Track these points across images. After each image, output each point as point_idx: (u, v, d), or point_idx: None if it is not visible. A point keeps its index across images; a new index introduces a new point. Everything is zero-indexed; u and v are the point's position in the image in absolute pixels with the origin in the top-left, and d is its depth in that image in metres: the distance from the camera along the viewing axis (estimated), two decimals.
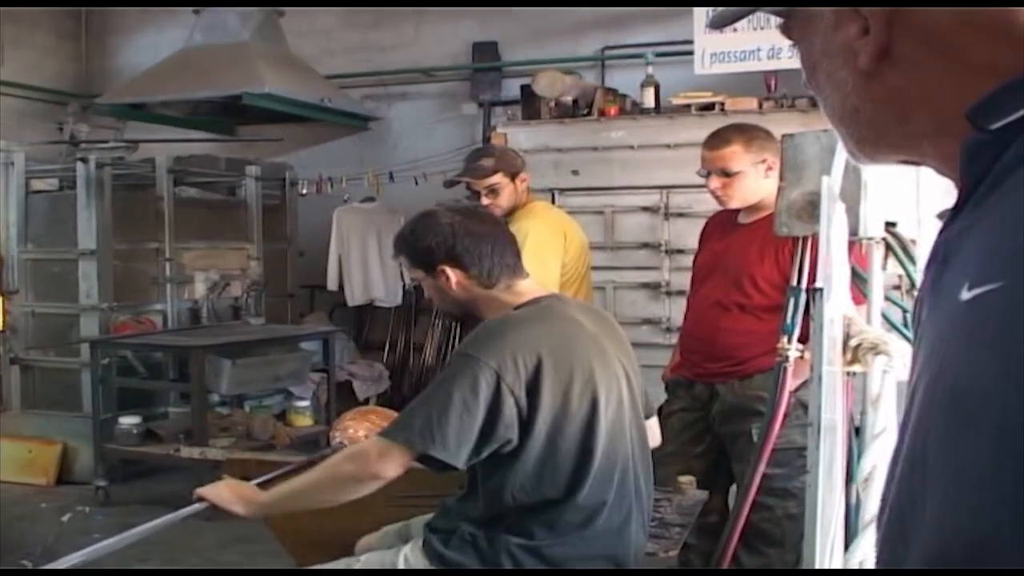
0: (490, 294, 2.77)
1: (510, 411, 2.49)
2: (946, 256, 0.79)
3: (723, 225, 4.16)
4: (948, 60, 0.81)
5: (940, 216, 0.84)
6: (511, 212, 4.57)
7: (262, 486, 2.90)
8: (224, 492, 2.78)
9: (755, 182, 3.90)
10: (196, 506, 2.80)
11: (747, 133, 3.98)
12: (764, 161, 3.88)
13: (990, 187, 0.76)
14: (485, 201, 4.55)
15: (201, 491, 2.79)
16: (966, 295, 0.71)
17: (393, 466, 2.52)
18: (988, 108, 0.76)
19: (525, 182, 4.67)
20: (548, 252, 4.42)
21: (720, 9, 0.99)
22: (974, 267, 0.72)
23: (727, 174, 3.90)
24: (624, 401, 2.74)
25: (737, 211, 4.07)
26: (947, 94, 0.81)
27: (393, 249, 2.89)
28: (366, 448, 2.63)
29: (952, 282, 0.74)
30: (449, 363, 2.65)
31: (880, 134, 0.89)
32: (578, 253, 4.66)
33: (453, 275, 2.75)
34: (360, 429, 3.60)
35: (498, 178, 4.56)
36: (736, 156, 3.90)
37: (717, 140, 3.99)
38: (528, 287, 2.83)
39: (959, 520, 0.65)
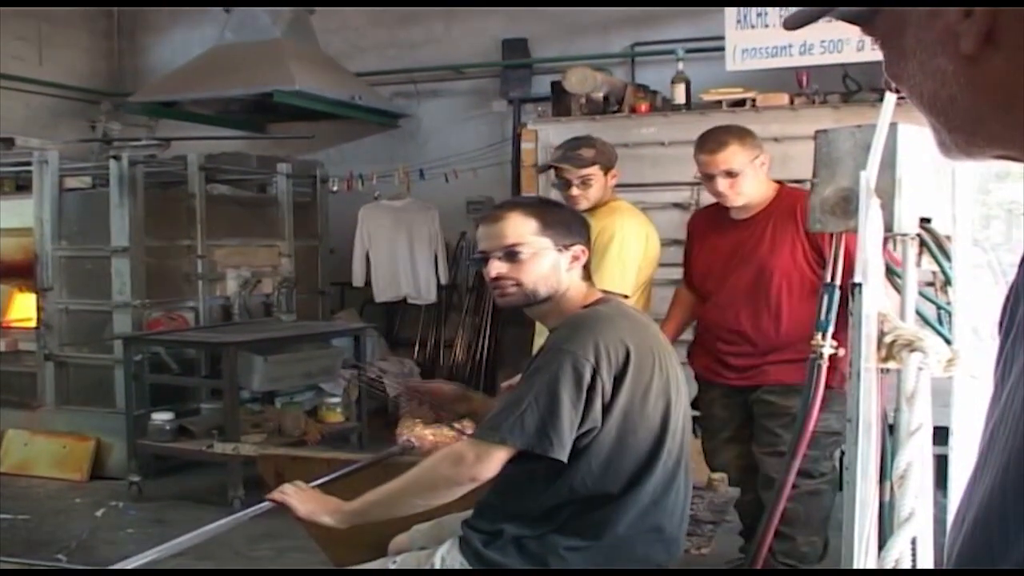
0: (581, 286, 2.76)
1: (599, 401, 2.50)
2: None
3: (716, 222, 4.22)
4: None
5: None
6: (595, 207, 4.48)
7: (329, 486, 2.88)
8: (311, 504, 2.75)
9: (755, 178, 4.05)
10: (262, 505, 2.80)
11: (738, 131, 4.11)
12: (758, 157, 4.03)
13: None
14: (575, 192, 4.43)
15: (280, 498, 2.77)
16: None
17: (492, 467, 2.51)
18: None
19: (616, 178, 4.57)
20: (630, 253, 4.34)
21: (796, 9, 0.94)
22: None
23: (731, 174, 3.98)
24: (685, 401, 2.75)
25: (725, 208, 4.18)
26: None
27: (524, 209, 2.74)
28: (462, 450, 2.59)
29: None
30: (546, 359, 2.58)
31: (978, 124, 0.83)
32: (652, 259, 4.56)
33: (583, 258, 2.74)
34: (428, 428, 3.59)
35: (594, 170, 4.42)
36: (736, 155, 4.02)
37: (713, 143, 4.07)
38: (594, 288, 2.84)
39: None
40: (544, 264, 2.68)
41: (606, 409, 2.51)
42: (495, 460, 2.50)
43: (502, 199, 8.73)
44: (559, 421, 2.45)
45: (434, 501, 2.65)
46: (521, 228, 2.68)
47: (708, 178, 4.10)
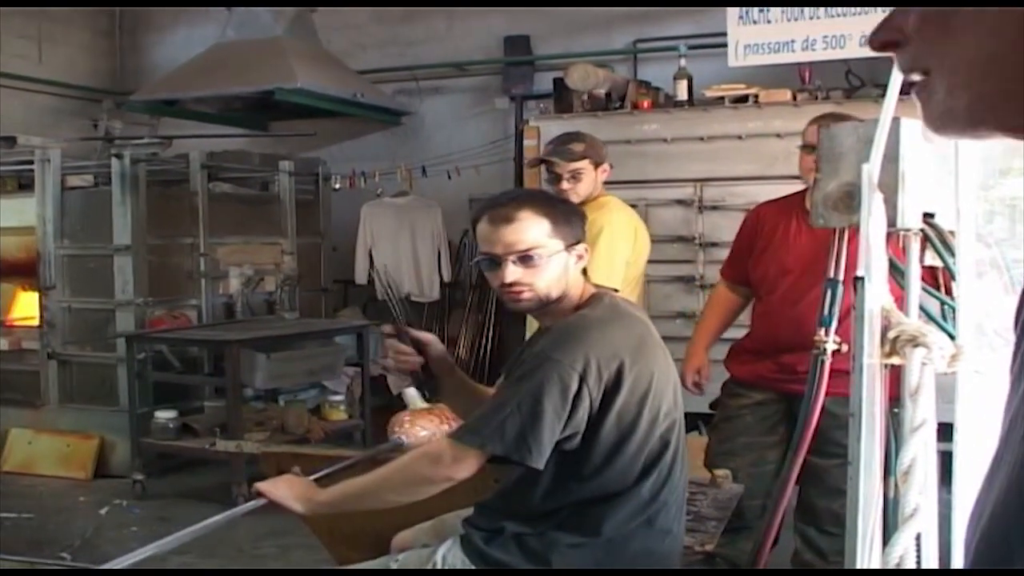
0: (580, 282, 2.73)
1: (584, 411, 2.48)
2: None
3: (791, 219, 4.08)
4: None
5: None
6: (584, 202, 4.49)
7: (320, 481, 2.84)
8: (283, 489, 2.72)
9: None
10: (255, 502, 2.76)
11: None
12: None
13: None
14: (565, 186, 4.44)
15: (261, 486, 2.75)
16: None
17: (468, 469, 2.51)
18: None
19: (606, 173, 4.57)
20: (618, 249, 4.36)
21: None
22: None
23: None
24: (678, 392, 2.74)
25: (801, 206, 4.01)
26: None
27: (535, 209, 2.63)
28: (440, 450, 2.58)
29: None
30: (532, 365, 2.55)
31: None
32: (642, 254, 4.58)
33: (586, 256, 2.72)
34: (421, 427, 3.59)
35: (584, 164, 4.44)
36: None
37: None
38: (587, 283, 2.81)
39: None
40: (557, 267, 2.62)
41: (598, 416, 2.50)
42: (472, 463, 2.50)
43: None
44: (540, 431, 2.43)
45: (408, 498, 2.64)
46: (536, 231, 2.60)
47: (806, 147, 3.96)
